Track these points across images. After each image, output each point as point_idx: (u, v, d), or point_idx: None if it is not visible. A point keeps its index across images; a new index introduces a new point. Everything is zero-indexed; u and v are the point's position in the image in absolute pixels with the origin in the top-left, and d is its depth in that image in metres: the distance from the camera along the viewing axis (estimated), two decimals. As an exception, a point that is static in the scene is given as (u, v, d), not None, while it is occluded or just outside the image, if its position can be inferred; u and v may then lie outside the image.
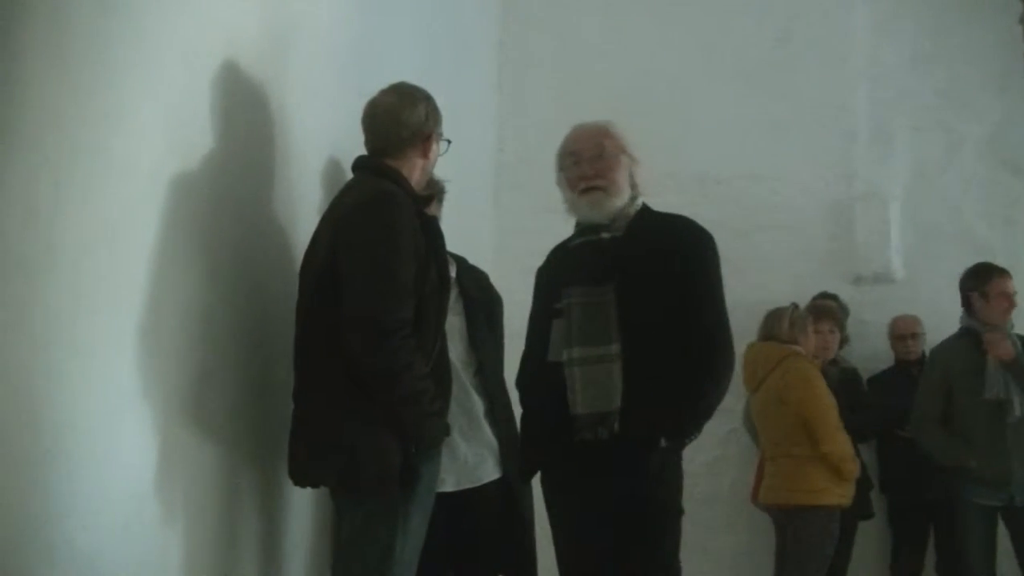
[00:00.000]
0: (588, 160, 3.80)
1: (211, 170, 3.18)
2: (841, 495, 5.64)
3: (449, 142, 3.75)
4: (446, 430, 3.46)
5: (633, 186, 3.83)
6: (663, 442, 3.57)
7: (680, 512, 3.70)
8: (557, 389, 3.65)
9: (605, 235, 3.74)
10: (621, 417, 3.54)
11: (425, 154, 3.62)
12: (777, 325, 5.95)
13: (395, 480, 3.25)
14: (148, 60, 2.83)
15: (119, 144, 2.70)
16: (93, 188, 2.59)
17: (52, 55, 2.46)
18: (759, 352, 5.89)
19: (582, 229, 3.83)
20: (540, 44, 7.39)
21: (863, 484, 6.24)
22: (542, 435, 3.74)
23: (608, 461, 3.57)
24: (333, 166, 4.04)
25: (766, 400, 5.79)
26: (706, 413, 3.68)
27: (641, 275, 3.65)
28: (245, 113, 3.41)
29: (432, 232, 3.49)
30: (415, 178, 3.58)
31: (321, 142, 4.00)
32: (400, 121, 3.55)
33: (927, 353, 6.51)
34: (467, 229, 5.38)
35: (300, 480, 3.40)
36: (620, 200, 3.78)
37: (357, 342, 3.20)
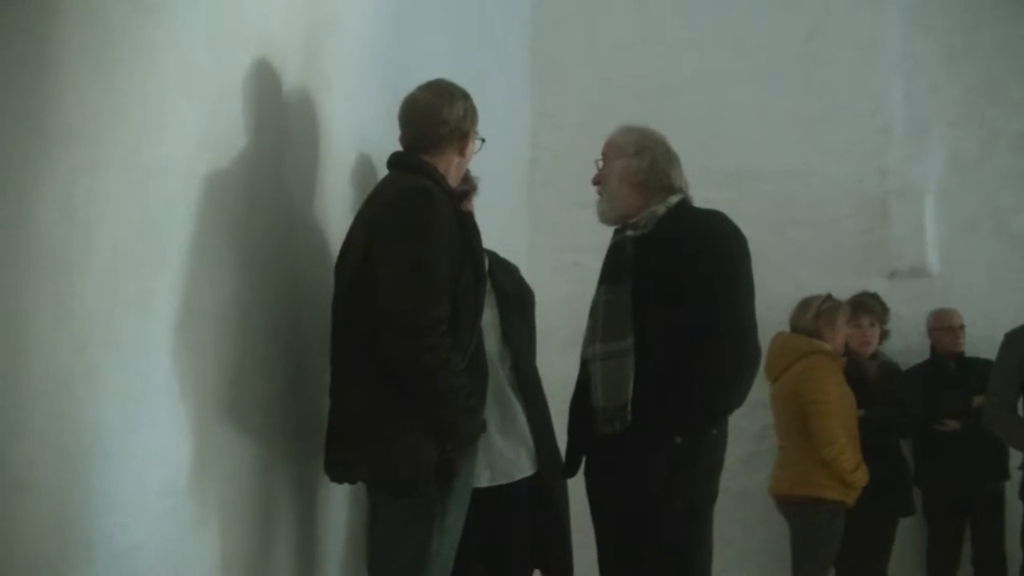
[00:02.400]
0: (599, 165, 4.01)
1: (246, 169, 3.19)
2: (845, 492, 5.63)
3: (483, 140, 3.75)
4: (482, 427, 3.48)
5: (650, 187, 3.89)
6: (678, 440, 3.62)
7: (695, 510, 3.74)
8: (585, 385, 3.80)
9: (631, 233, 3.82)
10: (633, 410, 3.63)
11: (462, 152, 3.63)
12: (802, 315, 5.93)
13: (431, 477, 3.26)
14: (182, 59, 2.85)
15: (155, 144, 2.72)
16: (129, 188, 2.61)
17: (87, 56, 2.49)
18: (783, 343, 5.88)
19: (616, 228, 3.95)
20: (572, 42, 7.38)
21: (905, 481, 6.22)
22: (576, 430, 3.88)
23: (623, 454, 3.67)
24: (365, 164, 4.05)
25: (783, 392, 5.79)
26: (719, 413, 3.75)
27: (659, 274, 3.72)
28: (279, 112, 3.43)
29: (468, 228, 3.50)
30: (451, 175, 3.59)
31: (353, 140, 4.01)
32: (439, 118, 3.56)
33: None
34: (501, 225, 5.38)
35: (337, 476, 3.41)
36: (620, 203, 3.91)
37: (393, 339, 3.20)
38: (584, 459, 3.90)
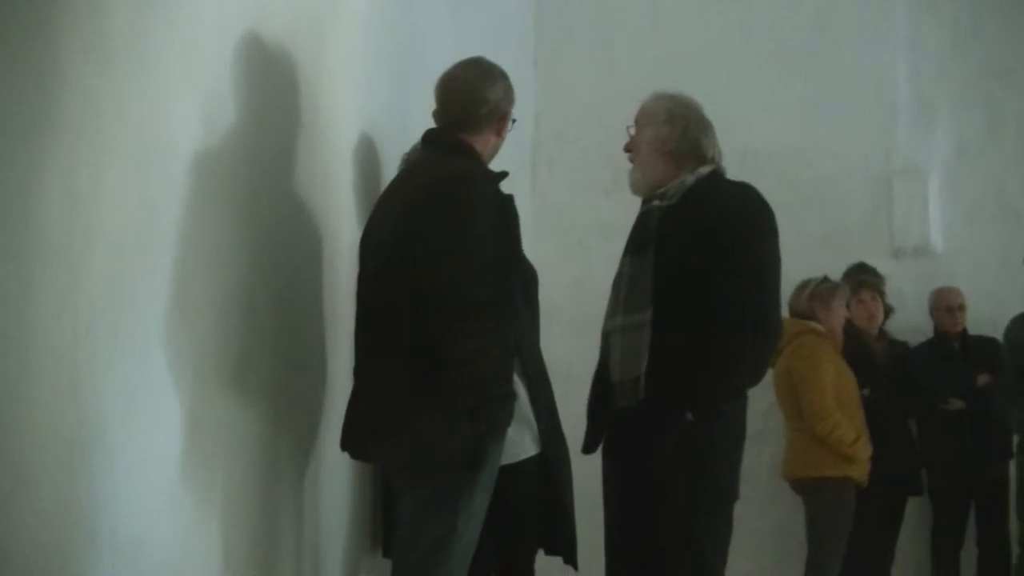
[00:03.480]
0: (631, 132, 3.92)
1: (249, 154, 3.18)
2: (849, 467, 5.64)
3: (515, 121, 3.70)
4: (511, 415, 3.45)
5: (681, 156, 3.81)
6: (689, 416, 3.58)
7: (715, 501, 3.72)
8: (605, 358, 3.79)
9: (657, 203, 3.76)
10: (648, 385, 3.60)
11: (499, 132, 3.57)
12: (797, 297, 5.94)
13: (463, 461, 3.23)
14: (184, 46, 2.84)
15: (157, 131, 2.71)
16: (132, 175, 2.61)
17: (89, 43, 2.48)
18: None
19: (643, 199, 3.88)
20: (577, 22, 7.35)
21: (912, 461, 6.22)
22: (597, 406, 3.85)
23: (638, 429, 3.65)
24: (369, 150, 4.04)
25: (779, 375, 5.82)
26: (733, 390, 3.69)
27: (681, 246, 3.66)
28: (282, 97, 3.42)
29: (512, 211, 3.45)
30: (487, 155, 3.54)
31: (357, 123, 3.99)
32: (481, 97, 3.49)
33: (967, 327, 6.48)
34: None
35: (358, 454, 3.41)
36: (651, 173, 3.82)
37: (436, 322, 3.16)
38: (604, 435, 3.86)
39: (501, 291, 3.30)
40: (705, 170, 3.81)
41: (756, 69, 7.07)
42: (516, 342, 4.05)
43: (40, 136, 2.33)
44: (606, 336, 3.82)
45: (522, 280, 3.44)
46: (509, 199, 3.46)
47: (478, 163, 3.41)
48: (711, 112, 6.76)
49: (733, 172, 6.59)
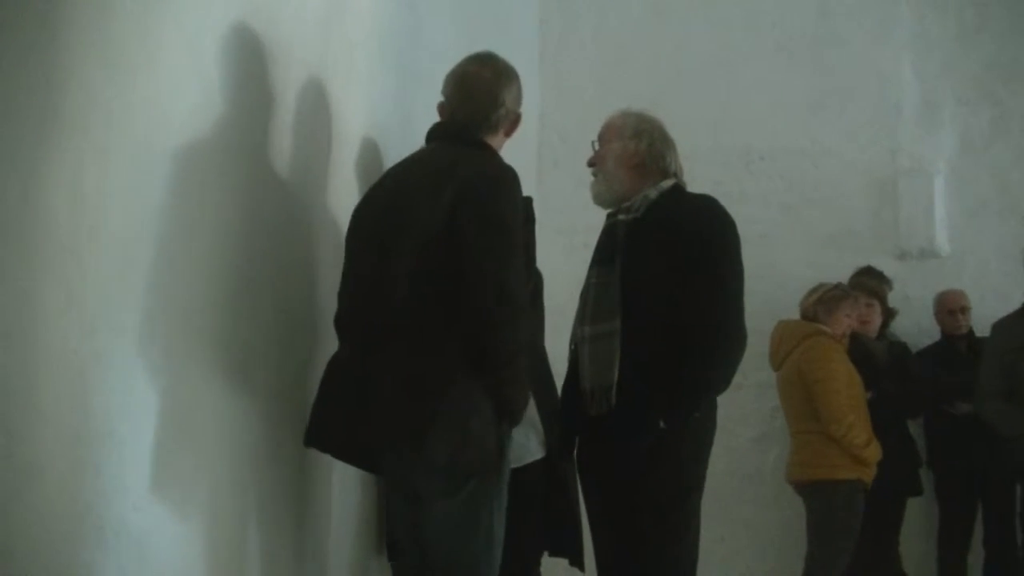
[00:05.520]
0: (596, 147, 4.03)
1: (254, 150, 3.19)
2: (861, 470, 5.64)
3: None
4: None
5: (646, 170, 3.91)
6: (662, 424, 3.66)
7: (688, 490, 3.79)
8: (575, 366, 3.90)
9: (622, 217, 3.87)
10: (618, 391, 3.68)
11: (509, 133, 3.56)
12: (805, 300, 5.95)
13: (497, 459, 3.19)
14: (190, 43, 2.85)
15: (163, 128, 2.71)
16: (138, 173, 2.61)
17: (94, 40, 2.48)
18: (784, 330, 5.91)
19: (608, 212, 3.99)
20: (581, 21, 7.35)
21: (912, 461, 6.22)
22: (567, 413, 3.94)
23: (609, 436, 3.74)
24: (374, 146, 4.05)
25: (788, 377, 5.81)
26: (703, 396, 3.77)
27: (647, 257, 3.76)
28: (286, 93, 3.42)
29: (533, 214, 3.50)
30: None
31: (362, 122, 4.00)
32: (498, 99, 3.46)
33: (973, 328, 6.48)
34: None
35: (362, 458, 3.33)
36: (617, 185, 3.93)
37: (501, 316, 3.09)
38: (576, 441, 3.96)
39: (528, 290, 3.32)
40: (668, 184, 3.92)
41: (760, 70, 7.07)
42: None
43: (46, 133, 2.34)
44: (575, 345, 3.92)
45: (532, 282, 3.46)
46: (530, 201, 3.48)
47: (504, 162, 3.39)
48: (715, 111, 6.83)
49: (736, 173, 6.66)
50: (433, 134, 3.50)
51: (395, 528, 3.55)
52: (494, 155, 3.42)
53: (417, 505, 3.23)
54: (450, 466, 3.13)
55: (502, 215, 3.18)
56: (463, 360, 3.11)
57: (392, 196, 3.34)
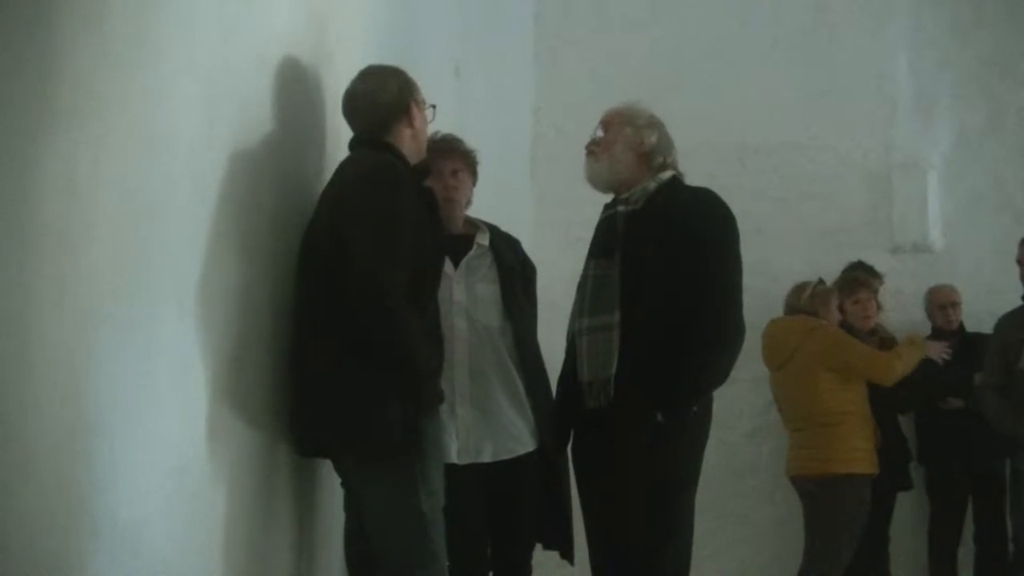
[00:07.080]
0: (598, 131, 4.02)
1: (249, 146, 3.20)
2: (873, 464, 5.66)
3: (434, 107, 3.76)
4: (440, 395, 3.50)
5: (652, 161, 3.93)
6: (659, 417, 3.68)
7: (683, 485, 3.80)
8: (572, 359, 3.89)
9: (621, 208, 3.88)
10: (616, 384, 3.69)
11: (410, 123, 3.63)
12: (797, 297, 5.97)
13: (403, 440, 3.28)
14: (187, 37, 2.85)
15: (159, 121, 2.71)
16: (133, 165, 2.60)
17: (91, 32, 2.47)
18: (782, 327, 5.90)
19: (606, 204, 3.99)
20: (576, 16, 7.34)
21: (902, 456, 6.24)
22: (565, 405, 3.95)
23: (607, 429, 3.75)
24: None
25: (797, 371, 5.79)
26: (700, 390, 3.79)
27: (647, 250, 3.77)
28: (283, 89, 3.42)
29: (430, 202, 3.57)
30: (408, 148, 3.61)
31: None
32: (378, 103, 3.58)
33: (965, 323, 6.49)
34: (505, 200, 5.38)
35: (307, 450, 3.45)
36: (621, 169, 3.92)
37: (359, 301, 3.25)
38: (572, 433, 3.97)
39: (419, 274, 3.39)
40: (666, 175, 3.93)
41: (756, 64, 7.07)
42: (517, 335, 4.07)
43: (41, 125, 2.33)
44: (572, 337, 3.92)
45: (435, 263, 3.52)
46: (427, 190, 3.59)
47: (398, 159, 3.50)
48: (710, 105, 6.83)
49: (731, 167, 6.65)
50: (348, 146, 3.66)
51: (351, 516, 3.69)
52: (381, 155, 3.51)
53: (353, 493, 3.55)
54: (359, 453, 3.37)
55: (371, 208, 3.32)
56: (353, 350, 3.28)
57: (316, 208, 3.51)
